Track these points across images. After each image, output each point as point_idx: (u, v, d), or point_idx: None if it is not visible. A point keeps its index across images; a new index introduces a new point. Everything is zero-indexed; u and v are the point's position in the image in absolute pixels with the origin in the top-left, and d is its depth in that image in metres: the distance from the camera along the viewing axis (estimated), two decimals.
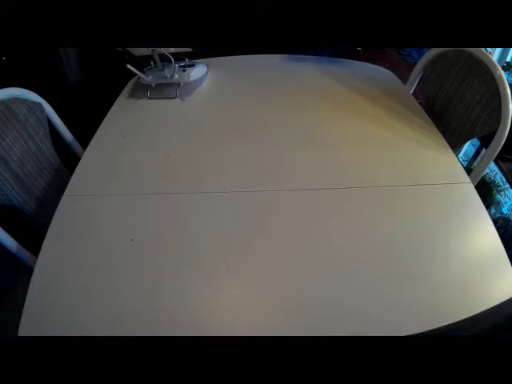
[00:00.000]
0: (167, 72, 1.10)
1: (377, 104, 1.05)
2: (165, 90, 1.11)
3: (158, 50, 1.07)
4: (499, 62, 1.67)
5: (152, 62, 1.13)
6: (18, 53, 1.31)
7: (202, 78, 1.16)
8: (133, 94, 1.14)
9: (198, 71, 1.15)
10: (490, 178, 1.58)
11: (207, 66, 1.20)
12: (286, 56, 1.30)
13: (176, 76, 1.10)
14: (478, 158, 1.67)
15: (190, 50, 1.17)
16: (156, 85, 1.11)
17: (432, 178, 0.83)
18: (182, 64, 1.14)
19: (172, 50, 1.08)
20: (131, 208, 0.77)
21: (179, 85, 1.11)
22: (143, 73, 1.11)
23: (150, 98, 1.11)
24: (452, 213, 0.77)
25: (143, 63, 1.15)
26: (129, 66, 1.04)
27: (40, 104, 0.95)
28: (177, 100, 1.10)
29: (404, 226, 0.74)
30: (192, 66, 1.15)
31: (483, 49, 0.97)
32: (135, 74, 1.10)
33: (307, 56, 1.30)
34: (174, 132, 0.96)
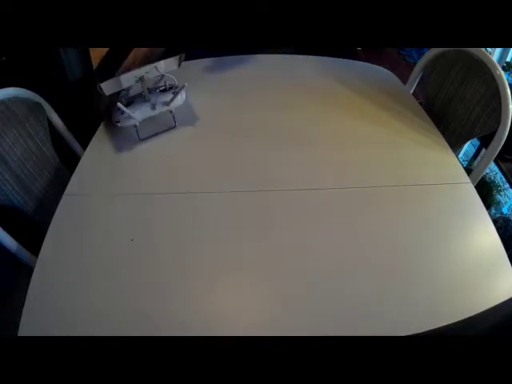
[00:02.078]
0: (160, 99, 0.92)
1: (377, 104, 1.05)
2: (154, 122, 0.94)
3: (145, 76, 0.88)
4: (499, 62, 1.67)
5: (123, 99, 0.91)
6: (18, 53, 1.31)
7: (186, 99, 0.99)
8: (114, 144, 0.92)
9: (182, 90, 0.95)
10: (490, 178, 1.58)
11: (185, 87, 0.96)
12: (285, 56, 1.30)
13: (173, 102, 0.92)
14: (478, 158, 1.67)
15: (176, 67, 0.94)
16: (139, 122, 0.90)
17: (432, 178, 0.83)
18: (161, 88, 0.96)
19: (162, 69, 0.91)
20: (131, 208, 0.77)
21: (171, 111, 0.94)
22: (121, 112, 0.88)
23: (142, 140, 0.92)
24: (452, 213, 0.77)
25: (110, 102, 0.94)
26: (119, 104, 0.85)
27: (40, 104, 0.95)
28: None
29: (404, 226, 0.74)
30: (172, 87, 0.97)
31: (483, 49, 0.97)
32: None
33: (307, 56, 1.30)
34: (174, 133, 0.96)
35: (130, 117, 0.88)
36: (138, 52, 0.93)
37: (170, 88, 0.96)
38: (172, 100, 0.92)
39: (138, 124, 0.90)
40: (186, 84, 0.93)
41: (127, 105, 0.89)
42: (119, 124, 0.89)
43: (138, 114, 0.89)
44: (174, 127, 0.96)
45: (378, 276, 0.66)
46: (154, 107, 0.92)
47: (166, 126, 0.96)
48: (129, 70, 0.87)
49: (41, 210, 0.90)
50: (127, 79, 0.86)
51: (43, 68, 1.30)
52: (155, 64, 0.89)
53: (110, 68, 0.92)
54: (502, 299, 0.61)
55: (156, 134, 0.95)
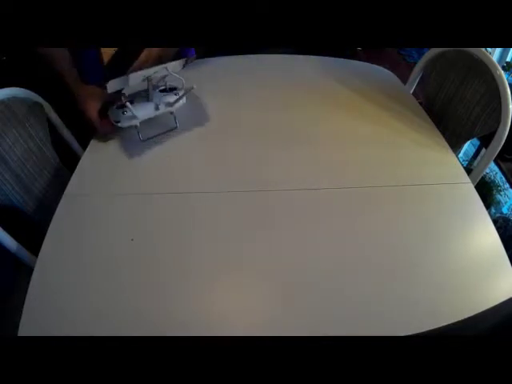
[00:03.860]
0: (163, 99, 0.90)
1: (377, 104, 1.05)
2: (155, 123, 0.93)
3: (151, 75, 0.86)
4: (499, 62, 1.67)
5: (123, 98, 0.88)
6: (18, 53, 1.31)
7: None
8: (114, 144, 0.92)
9: (188, 92, 0.94)
10: (490, 178, 1.58)
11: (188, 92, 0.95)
12: (285, 56, 1.30)
13: (175, 104, 0.91)
14: (478, 158, 1.67)
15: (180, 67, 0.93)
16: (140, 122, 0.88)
17: (432, 178, 0.83)
18: (161, 88, 0.94)
19: (170, 70, 0.89)
20: (131, 208, 0.77)
21: (171, 112, 0.93)
22: (123, 112, 0.86)
23: (144, 141, 0.90)
24: (452, 213, 0.77)
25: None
26: (127, 102, 0.84)
27: (40, 104, 0.95)
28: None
29: (404, 226, 0.74)
30: (175, 88, 0.95)
31: (483, 49, 0.97)
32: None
33: (307, 56, 1.30)
34: (174, 133, 0.96)
35: (131, 117, 0.86)
36: (151, 52, 0.92)
37: (174, 89, 0.95)
38: (176, 101, 0.92)
39: (138, 124, 0.88)
40: (194, 86, 0.90)
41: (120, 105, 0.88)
42: (119, 124, 0.87)
43: (140, 114, 0.88)
44: (175, 128, 0.96)
45: (378, 276, 0.65)
46: (157, 107, 0.90)
47: (166, 126, 0.96)
48: (140, 69, 0.86)
49: (41, 210, 0.90)
50: (134, 78, 0.85)
51: (43, 68, 1.30)
52: (164, 65, 0.88)
53: (120, 67, 0.91)
54: (501, 299, 0.61)
55: (157, 135, 0.94)
